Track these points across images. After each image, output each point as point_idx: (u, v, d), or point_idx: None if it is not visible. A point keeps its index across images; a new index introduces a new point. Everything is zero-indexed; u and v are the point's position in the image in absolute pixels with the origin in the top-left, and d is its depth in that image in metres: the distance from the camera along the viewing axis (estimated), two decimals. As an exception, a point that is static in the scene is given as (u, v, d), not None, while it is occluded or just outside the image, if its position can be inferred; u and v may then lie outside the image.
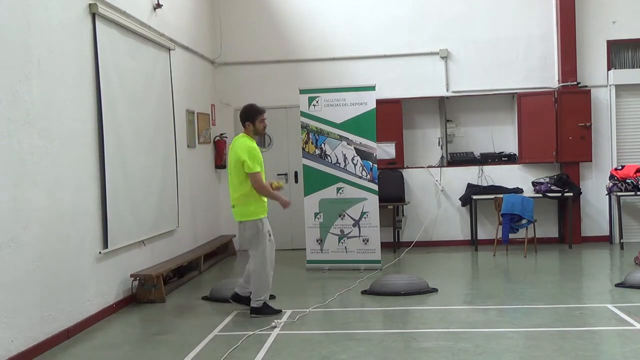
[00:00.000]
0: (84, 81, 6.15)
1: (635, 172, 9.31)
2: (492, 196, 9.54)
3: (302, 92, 8.76)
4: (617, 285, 6.99)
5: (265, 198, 6.24)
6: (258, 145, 6.31)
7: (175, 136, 8.42)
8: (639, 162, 9.66)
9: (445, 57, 10.27)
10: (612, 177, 9.56)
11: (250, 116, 6.26)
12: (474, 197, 9.87)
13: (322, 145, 8.61)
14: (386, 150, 10.06)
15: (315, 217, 8.65)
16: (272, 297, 6.71)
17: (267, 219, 6.27)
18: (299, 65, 10.47)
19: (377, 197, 8.54)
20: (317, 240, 8.65)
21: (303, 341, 5.41)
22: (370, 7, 10.37)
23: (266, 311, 6.23)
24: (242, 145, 6.13)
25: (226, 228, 10.31)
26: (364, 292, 7.11)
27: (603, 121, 10.06)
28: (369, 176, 8.50)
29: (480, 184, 10.17)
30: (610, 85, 9.99)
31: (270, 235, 6.28)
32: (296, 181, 10.26)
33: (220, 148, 10.31)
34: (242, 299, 6.53)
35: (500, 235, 9.15)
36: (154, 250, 7.69)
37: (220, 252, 9.87)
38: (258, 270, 6.23)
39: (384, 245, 9.14)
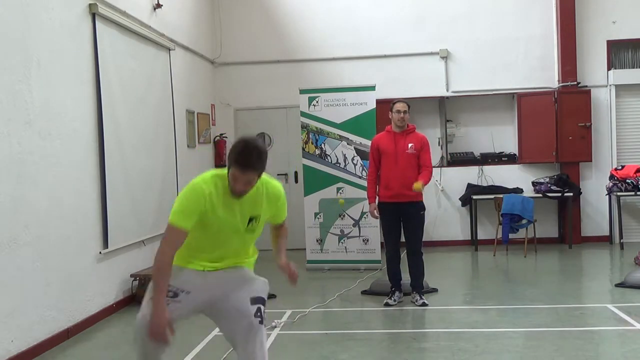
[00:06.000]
0: (84, 81, 6.14)
1: (635, 172, 9.31)
2: (492, 196, 9.53)
3: (302, 92, 8.76)
4: (617, 285, 6.98)
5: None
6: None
7: (175, 136, 8.41)
8: (639, 162, 9.65)
9: (445, 57, 10.27)
10: (612, 177, 9.55)
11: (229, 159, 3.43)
12: (474, 197, 9.86)
13: (322, 145, 8.61)
14: (386, 150, 10.03)
15: (315, 217, 8.65)
16: (272, 296, 6.70)
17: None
18: (299, 65, 10.45)
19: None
20: (317, 240, 8.65)
21: (303, 341, 5.41)
22: (370, 7, 10.35)
23: None
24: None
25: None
26: (364, 292, 7.11)
27: (603, 121, 10.04)
28: (369, 176, 8.49)
29: (480, 184, 10.16)
30: (610, 85, 9.98)
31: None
32: (296, 181, 10.26)
33: (220, 148, 10.30)
34: None
35: (500, 235, 9.15)
36: (154, 250, 7.59)
37: (220, 252, 9.86)
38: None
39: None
